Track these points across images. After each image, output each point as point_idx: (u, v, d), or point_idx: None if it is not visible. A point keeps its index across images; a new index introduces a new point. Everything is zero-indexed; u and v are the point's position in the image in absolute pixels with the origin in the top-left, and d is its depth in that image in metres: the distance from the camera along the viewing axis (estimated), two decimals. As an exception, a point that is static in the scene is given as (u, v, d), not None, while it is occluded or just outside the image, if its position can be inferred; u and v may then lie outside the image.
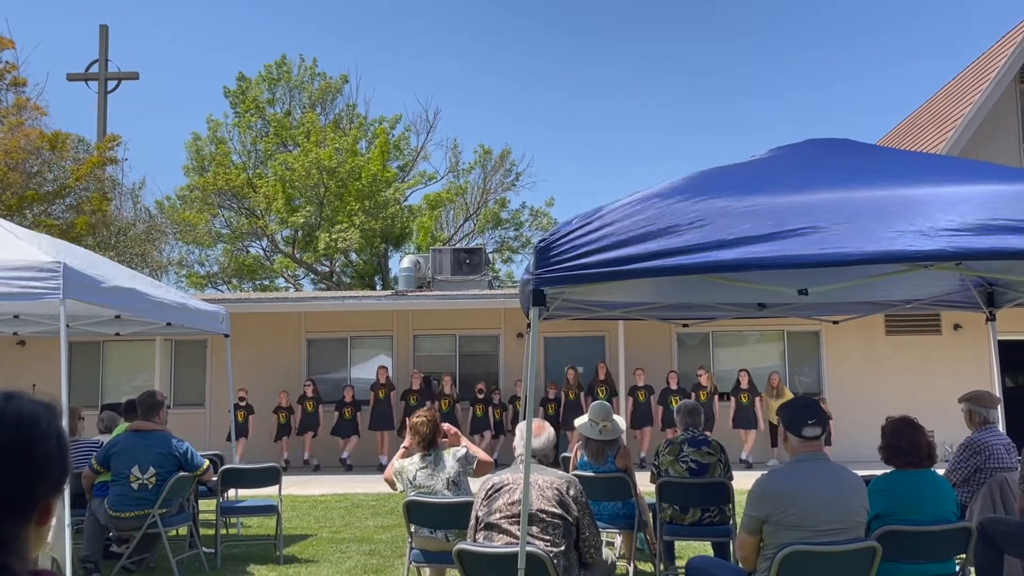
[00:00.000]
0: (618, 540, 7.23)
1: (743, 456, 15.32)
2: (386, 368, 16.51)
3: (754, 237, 3.50)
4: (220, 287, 33.02)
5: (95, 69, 26.77)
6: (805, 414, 3.99)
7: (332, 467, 16.07)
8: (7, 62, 20.82)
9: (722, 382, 16.32)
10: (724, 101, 58.50)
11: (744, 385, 15.55)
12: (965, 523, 4.37)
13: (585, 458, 6.67)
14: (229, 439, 15.58)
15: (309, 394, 16.27)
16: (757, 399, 15.50)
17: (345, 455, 15.98)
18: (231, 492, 9.19)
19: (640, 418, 15.52)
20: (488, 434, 15.76)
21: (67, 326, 6.38)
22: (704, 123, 59.17)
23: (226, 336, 10.03)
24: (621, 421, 6.76)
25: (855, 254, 3.41)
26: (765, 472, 4.07)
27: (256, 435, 15.99)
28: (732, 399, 15.62)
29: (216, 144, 32.02)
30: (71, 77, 26.96)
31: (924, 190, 3.59)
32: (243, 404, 15.80)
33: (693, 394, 15.37)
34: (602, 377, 15.78)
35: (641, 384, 15.67)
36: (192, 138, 32.10)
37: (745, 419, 15.46)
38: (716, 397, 15.62)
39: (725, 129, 58.91)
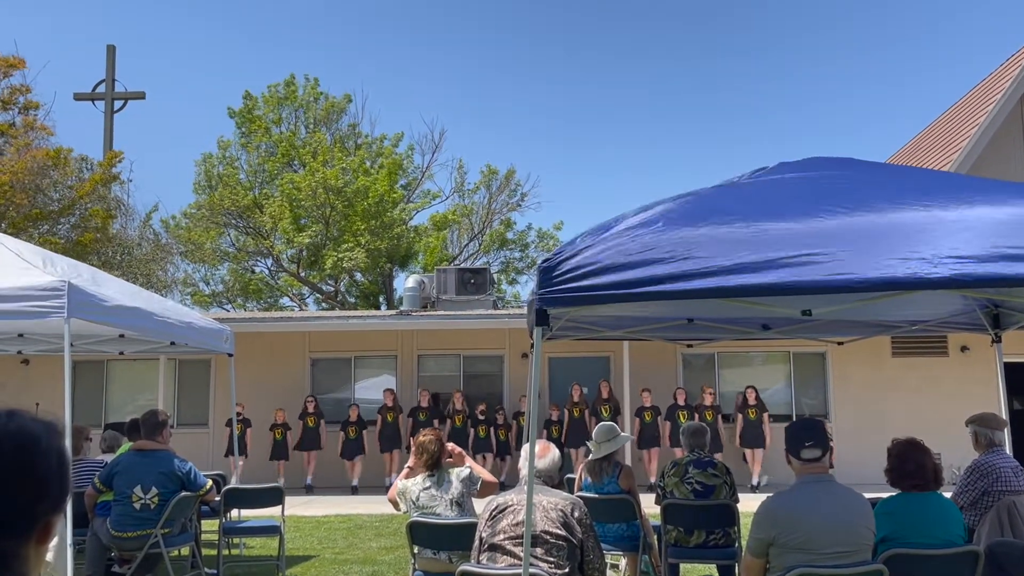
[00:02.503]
0: (622, 563, 7.19)
1: (753, 481, 15.12)
2: (392, 391, 16.43)
3: (759, 263, 3.51)
4: (225, 306, 33.09)
5: (102, 89, 26.95)
6: (803, 436, 3.97)
7: (335, 487, 16.00)
8: (21, 84, 20.92)
9: (728, 403, 16.25)
10: (731, 116, 58.69)
11: (752, 401, 15.41)
12: (973, 547, 4.34)
13: (587, 474, 6.67)
14: (228, 454, 15.49)
15: (310, 410, 16.14)
16: (765, 415, 15.37)
17: (355, 482, 15.86)
18: (234, 512, 9.17)
19: (647, 439, 15.42)
20: (490, 456, 15.67)
21: (71, 345, 6.39)
22: (712, 138, 59.34)
23: (230, 355, 10.04)
24: (627, 437, 6.75)
25: (859, 281, 3.41)
26: (771, 494, 4.05)
27: (256, 454, 15.93)
28: (740, 416, 15.51)
29: (225, 164, 32.17)
30: (78, 97, 27.14)
31: (929, 213, 3.59)
32: (240, 418, 15.47)
33: (697, 415, 15.28)
34: (605, 395, 15.72)
35: (648, 405, 15.62)
36: (203, 157, 32.29)
37: (753, 437, 15.29)
38: (720, 418, 15.49)
39: (734, 142, 59.06)
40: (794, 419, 16.05)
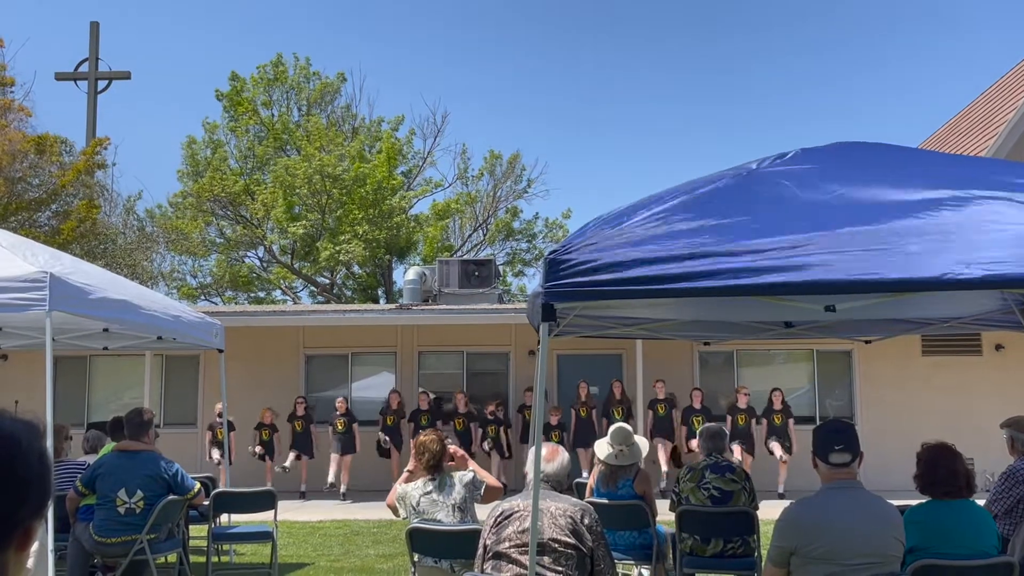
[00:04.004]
0: (634, 572, 7.20)
1: (780, 490, 15.02)
2: (398, 393, 16.23)
3: (780, 259, 3.49)
4: (213, 299, 33.11)
5: (85, 68, 26.98)
6: (833, 439, 3.96)
7: (330, 491, 15.93)
8: None
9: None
10: (751, 98, 58.52)
11: (777, 406, 15.31)
12: (1007, 558, 4.34)
13: (600, 479, 6.65)
14: (210, 458, 15.29)
15: (300, 412, 15.89)
16: (790, 421, 15.27)
17: (343, 489, 15.48)
18: (223, 517, 9.19)
19: (662, 434, 15.35)
20: (496, 456, 15.57)
21: (53, 339, 6.41)
22: (730, 122, 59.19)
23: (220, 351, 10.06)
24: (643, 444, 6.72)
25: (885, 281, 3.40)
26: (794, 500, 4.05)
27: (242, 458, 15.75)
28: (764, 421, 15.44)
29: (213, 148, 32.16)
30: (60, 76, 27.18)
31: (962, 206, 3.57)
32: (218, 421, 14.88)
33: (730, 417, 15.17)
34: (618, 396, 15.63)
35: (661, 397, 15.54)
36: (188, 141, 32.28)
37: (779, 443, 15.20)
38: (753, 421, 15.35)
39: (754, 126, 58.90)
40: (818, 421, 16.05)
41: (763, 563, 4.09)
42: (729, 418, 15.14)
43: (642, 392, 15.32)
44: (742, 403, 15.27)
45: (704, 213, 3.74)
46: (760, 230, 3.60)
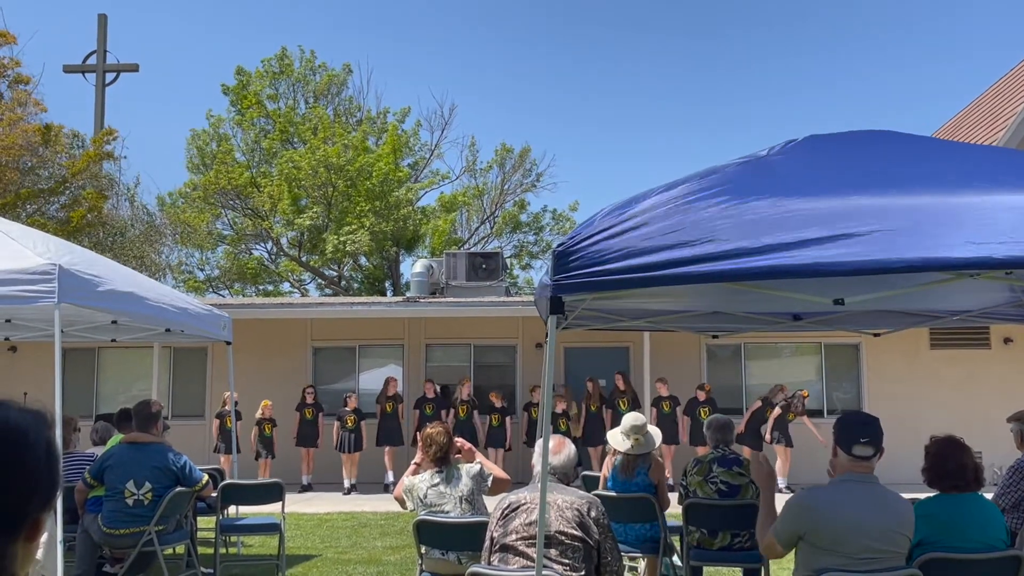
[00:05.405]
0: (641, 565, 7.20)
1: (780, 484, 14.96)
2: (395, 379, 16.24)
3: (791, 244, 3.47)
4: (221, 291, 33.17)
5: (93, 60, 27.00)
6: (859, 431, 3.93)
7: (336, 483, 15.95)
8: (10, 58, 20.96)
9: (753, 398, 16.16)
10: (760, 94, 58.34)
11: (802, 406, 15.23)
12: (1015, 551, 4.33)
13: (617, 468, 6.65)
14: (217, 450, 15.26)
15: (309, 401, 15.81)
16: (804, 416, 15.19)
17: (349, 482, 15.42)
18: (231, 509, 9.22)
19: (664, 433, 15.25)
20: (501, 451, 15.52)
21: (61, 331, 6.42)
22: (739, 118, 59.02)
23: (228, 343, 10.07)
24: (656, 433, 6.74)
25: (896, 262, 3.37)
26: (808, 487, 4.03)
27: (247, 449, 15.69)
28: (777, 410, 15.36)
29: (218, 141, 32.17)
30: (68, 69, 27.20)
31: (973, 190, 3.55)
32: (227, 410, 14.59)
33: (759, 401, 15.10)
34: (622, 388, 15.59)
35: (665, 395, 15.47)
36: (193, 135, 32.28)
37: (784, 436, 15.15)
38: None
39: (763, 122, 58.74)
40: (826, 415, 16.05)
41: (769, 536, 4.02)
42: (760, 403, 15.10)
43: (649, 384, 15.28)
44: (777, 397, 15.19)
45: (713, 200, 3.71)
46: (770, 215, 3.56)
